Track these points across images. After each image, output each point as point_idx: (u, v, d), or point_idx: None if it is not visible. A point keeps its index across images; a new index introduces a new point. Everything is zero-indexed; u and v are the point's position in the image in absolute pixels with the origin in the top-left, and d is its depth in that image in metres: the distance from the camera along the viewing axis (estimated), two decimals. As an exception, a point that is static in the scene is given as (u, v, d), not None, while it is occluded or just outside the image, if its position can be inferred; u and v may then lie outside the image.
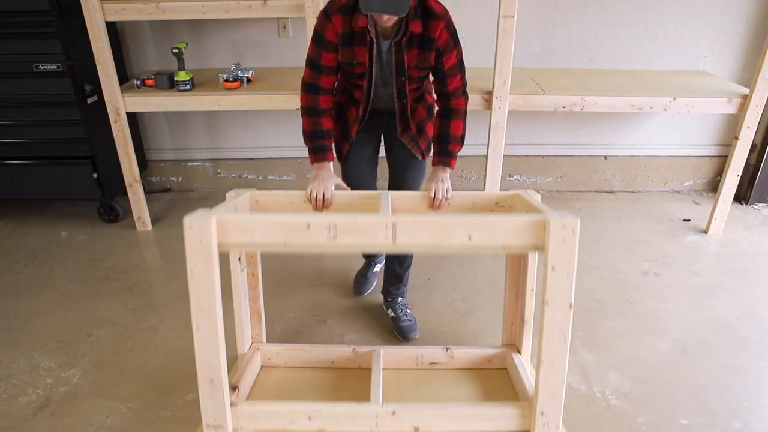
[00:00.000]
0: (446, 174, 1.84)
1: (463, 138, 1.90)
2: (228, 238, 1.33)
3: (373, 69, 1.83)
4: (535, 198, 1.66)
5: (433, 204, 1.77)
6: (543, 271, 1.35)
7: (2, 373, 2.01)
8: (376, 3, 1.58)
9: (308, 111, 1.86)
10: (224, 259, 1.54)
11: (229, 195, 1.70)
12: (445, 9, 1.75)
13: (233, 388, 1.66)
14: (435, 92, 1.95)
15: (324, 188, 1.76)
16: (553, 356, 1.38)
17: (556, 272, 1.32)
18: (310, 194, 1.76)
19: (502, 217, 1.33)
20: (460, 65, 1.87)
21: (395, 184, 2.11)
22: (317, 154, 1.86)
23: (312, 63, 1.83)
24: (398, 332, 2.19)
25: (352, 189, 1.90)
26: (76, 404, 1.88)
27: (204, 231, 1.29)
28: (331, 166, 1.89)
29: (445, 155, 1.88)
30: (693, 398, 1.90)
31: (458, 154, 1.89)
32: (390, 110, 1.96)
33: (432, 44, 1.77)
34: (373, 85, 1.87)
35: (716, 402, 1.89)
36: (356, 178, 2.09)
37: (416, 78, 1.86)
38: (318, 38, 1.79)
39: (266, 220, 1.33)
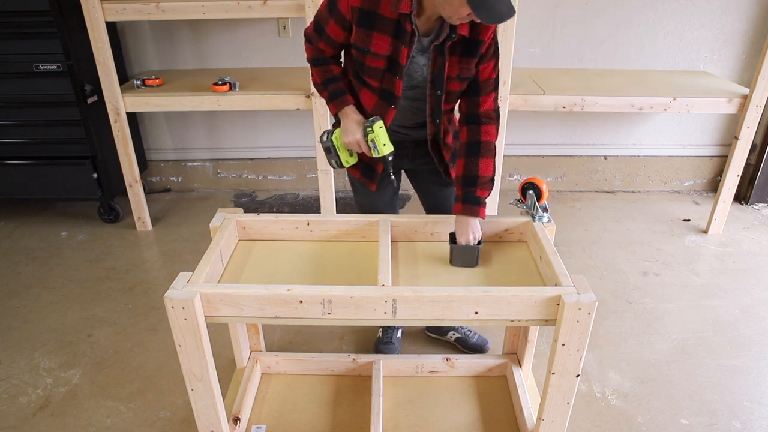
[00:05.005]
0: (476, 224, 1.49)
1: (493, 180, 1.55)
2: (215, 312, 1.26)
3: (403, 70, 1.48)
4: (547, 233, 1.50)
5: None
6: (552, 344, 1.29)
7: (2, 373, 2.01)
8: (501, 9, 1.25)
9: (314, 61, 1.60)
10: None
11: (213, 225, 1.54)
12: None
13: (234, 420, 1.65)
14: (460, 113, 1.62)
15: (358, 141, 1.54)
16: (555, 416, 1.37)
17: (566, 348, 1.25)
18: (353, 147, 1.57)
19: (512, 292, 1.22)
20: (497, 81, 1.53)
21: (432, 209, 1.89)
22: (336, 99, 1.58)
23: (317, 24, 1.54)
24: (472, 349, 2.09)
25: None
26: (76, 404, 1.88)
27: (188, 311, 1.21)
28: (354, 108, 1.59)
29: (473, 203, 1.50)
30: (693, 398, 1.90)
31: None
32: (416, 136, 1.67)
33: (477, 48, 1.45)
34: (400, 90, 1.52)
35: (716, 402, 1.89)
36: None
37: (455, 93, 1.54)
38: (331, 2, 1.48)
39: (255, 294, 1.23)
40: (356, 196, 1.89)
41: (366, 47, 1.47)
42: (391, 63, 1.48)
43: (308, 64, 1.66)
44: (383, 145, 1.53)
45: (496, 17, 1.26)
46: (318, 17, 1.54)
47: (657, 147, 3.40)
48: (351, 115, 1.57)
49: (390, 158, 1.55)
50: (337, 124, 1.68)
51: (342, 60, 1.67)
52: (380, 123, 1.53)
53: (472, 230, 1.48)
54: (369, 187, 1.76)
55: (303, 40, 1.63)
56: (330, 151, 1.66)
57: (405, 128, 1.68)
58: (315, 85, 1.64)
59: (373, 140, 1.53)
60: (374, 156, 1.56)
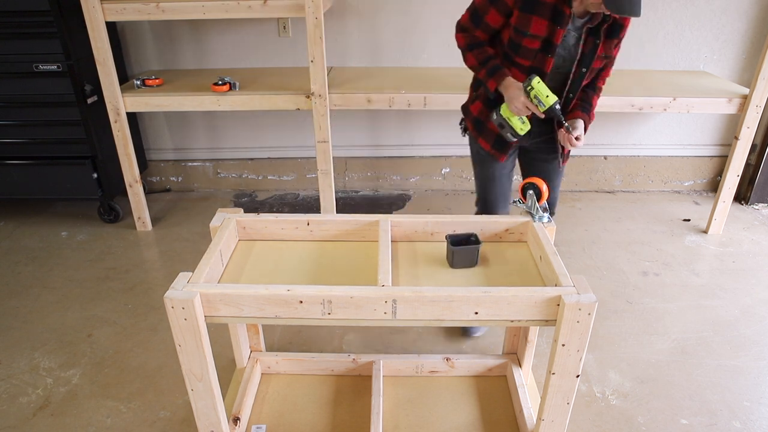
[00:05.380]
0: (582, 126, 1.74)
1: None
2: (215, 312, 1.26)
3: (555, 48, 1.64)
4: (547, 233, 1.52)
5: (572, 143, 1.72)
6: (552, 344, 1.29)
7: (2, 373, 2.01)
8: (625, 5, 1.44)
9: (470, 46, 1.76)
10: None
11: (213, 225, 1.55)
12: None
13: (234, 420, 1.65)
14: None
15: (524, 103, 1.66)
16: (555, 416, 1.37)
17: (566, 348, 1.25)
18: (521, 111, 1.69)
19: (512, 292, 1.23)
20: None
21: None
22: (495, 74, 1.72)
23: (474, 14, 1.72)
24: (464, 331, 2.20)
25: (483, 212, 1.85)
26: (76, 404, 1.88)
27: (188, 311, 1.21)
28: (512, 79, 1.72)
29: (587, 114, 1.77)
30: (693, 398, 1.90)
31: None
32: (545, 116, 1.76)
33: (620, 32, 1.66)
34: (550, 67, 1.68)
35: (716, 402, 1.89)
36: (494, 204, 1.99)
37: (596, 71, 1.74)
38: None
39: (255, 294, 1.23)
40: (480, 170, 2.01)
41: (526, 29, 1.63)
42: (546, 43, 1.64)
43: (460, 51, 1.82)
44: (546, 97, 1.64)
45: (622, 10, 1.46)
46: (476, 8, 1.72)
47: (657, 147, 3.40)
48: (512, 83, 1.70)
49: (557, 107, 1.65)
50: (493, 102, 1.82)
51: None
52: (536, 78, 1.64)
53: (580, 128, 1.72)
54: (499, 159, 1.92)
55: (454, 30, 1.82)
56: (503, 125, 1.78)
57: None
58: (471, 67, 1.80)
59: (536, 96, 1.64)
60: (542, 111, 1.65)
